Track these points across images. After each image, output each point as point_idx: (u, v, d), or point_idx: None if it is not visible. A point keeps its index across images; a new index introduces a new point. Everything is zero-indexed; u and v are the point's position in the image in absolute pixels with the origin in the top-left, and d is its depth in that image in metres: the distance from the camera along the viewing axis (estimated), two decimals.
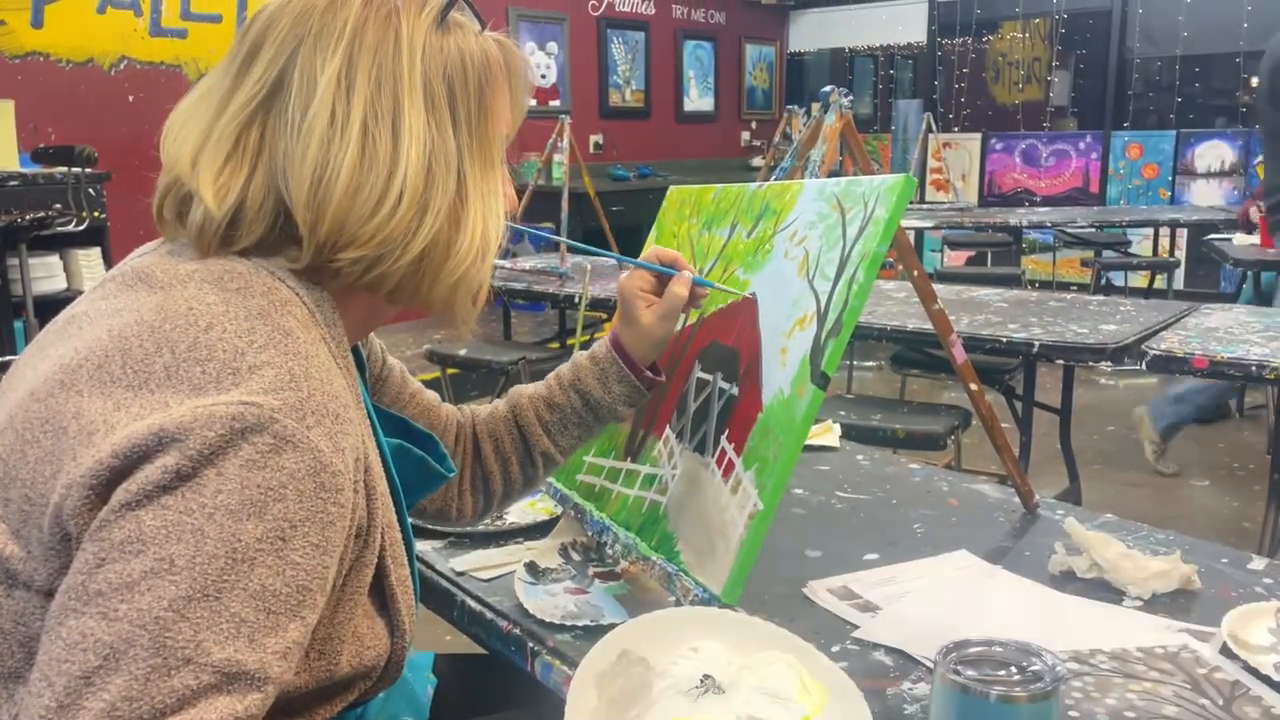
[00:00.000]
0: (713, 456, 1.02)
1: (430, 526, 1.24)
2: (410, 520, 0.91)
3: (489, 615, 1.08)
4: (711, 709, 0.79)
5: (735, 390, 1.03)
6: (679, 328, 1.17)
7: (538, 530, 1.28)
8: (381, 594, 0.81)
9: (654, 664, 0.82)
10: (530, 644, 1.02)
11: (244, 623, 0.64)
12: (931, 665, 0.73)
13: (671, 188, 1.36)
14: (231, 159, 0.76)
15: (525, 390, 1.10)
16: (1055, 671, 0.70)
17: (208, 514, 0.64)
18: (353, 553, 0.75)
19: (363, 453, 0.74)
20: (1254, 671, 0.92)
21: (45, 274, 3.93)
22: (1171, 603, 1.08)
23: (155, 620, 0.62)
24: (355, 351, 0.96)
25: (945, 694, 0.70)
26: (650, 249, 1.07)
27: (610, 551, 1.13)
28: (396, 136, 0.76)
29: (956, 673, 0.70)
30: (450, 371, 4.00)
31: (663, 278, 1.05)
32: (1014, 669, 0.71)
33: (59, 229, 3.77)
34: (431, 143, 0.78)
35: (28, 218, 3.62)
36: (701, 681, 0.81)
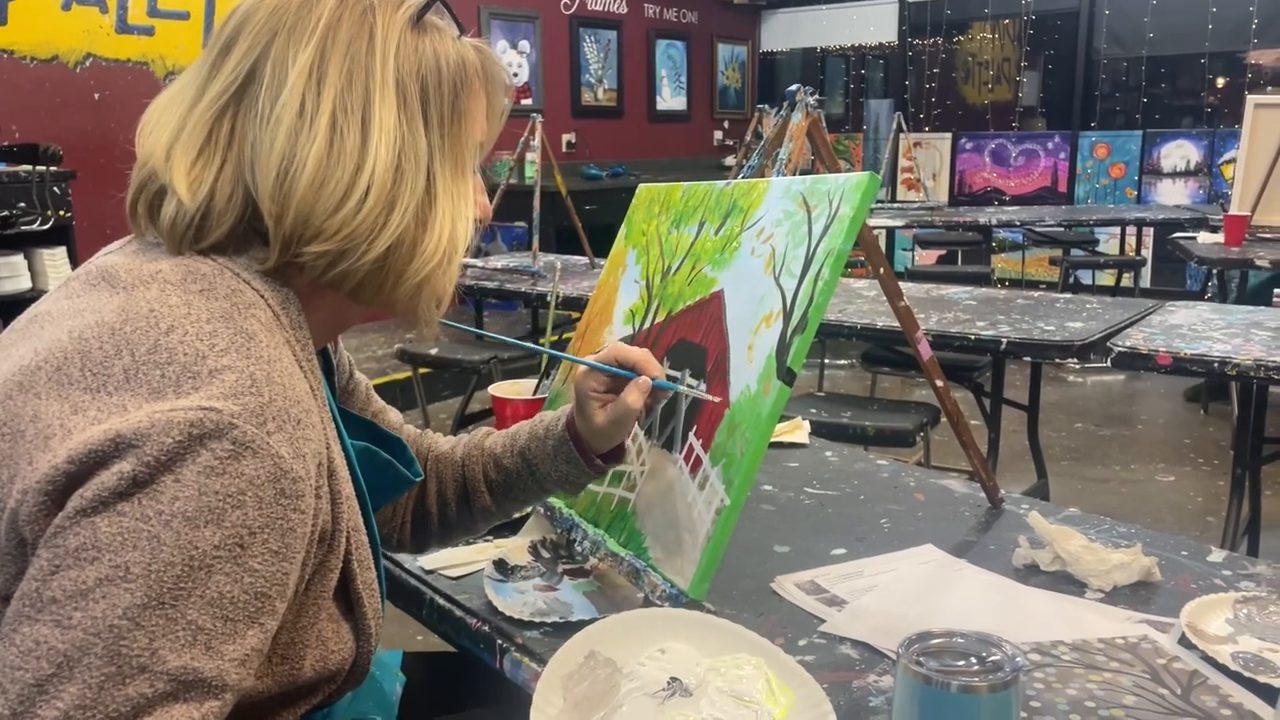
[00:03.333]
0: (680, 453, 1.03)
1: None
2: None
3: (458, 613, 1.08)
4: (678, 711, 0.80)
5: (703, 387, 1.04)
6: (646, 324, 1.18)
7: (507, 528, 1.28)
8: (347, 597, 0.81)
9: (621, 665, 0.82)
10: (499, 641, 1.02)
11: (201, 630, 0.64)
12: (895, 658, 0.74)
13: (641, 186, 1.36)
14: (204, 151, 0.76)
15: (483, 441, 1.08)
16: (1015, 662, 0.71)
17: (164, 521, 0.63)
18: (316, 558, 0.74)
19: (326, 457, 0.74)
20: (1211, 661, 0.94)
21: (9, 273, 3.88)
22: (1132, 594, 1.09)
23: (110, 628, 0.61)
24: (324, 354, 0.95)
25: (907, 685, 0.71)
26: (612, 346, 1.00)
27: (579, 548, 1.14)
28: (365, 131, 0.76)
29: (918, 664, 0.71)
30: (422, 371, 3.99)
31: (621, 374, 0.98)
32: (975, 660, 0.71)
33: (23, 228, 3.73)
34: (401, 140, 0.77)
35: None
36: (669, 684, 0.81)
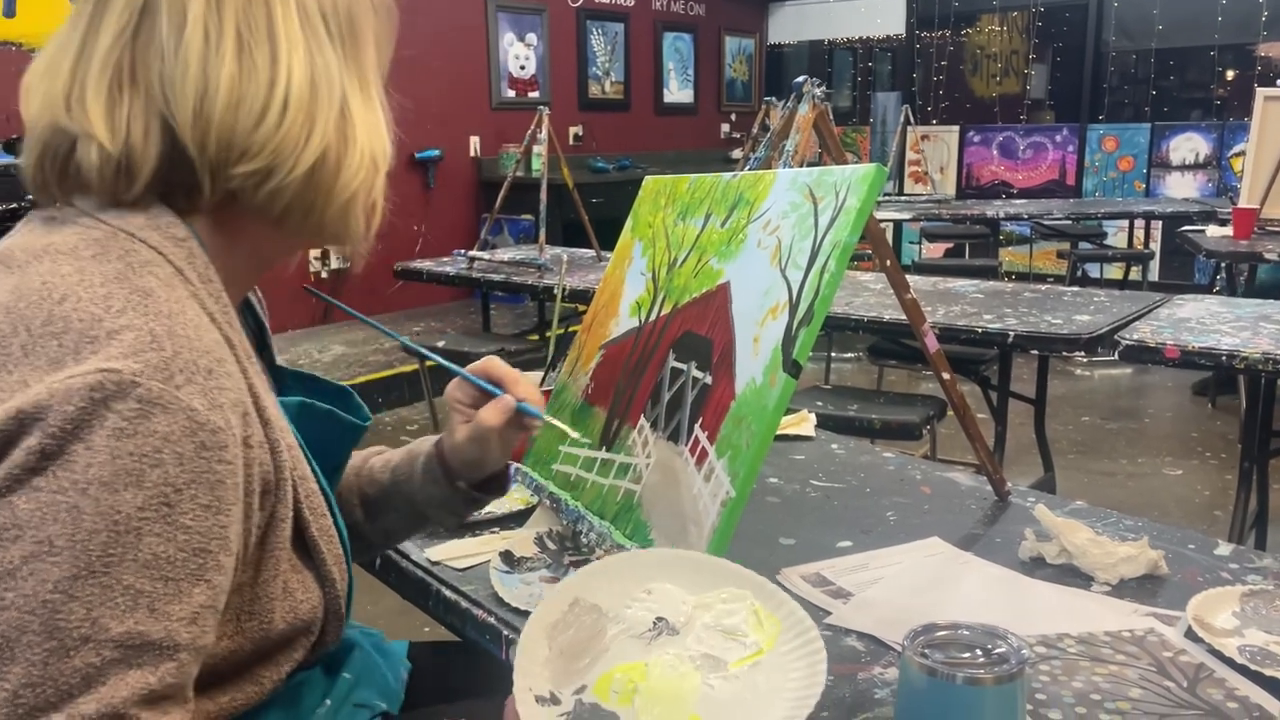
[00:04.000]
0: (686, 445, 1.03)
1: None
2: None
3: (464, 604, 1.09)
4: (665, 650, 0.79)
5: (709, 379, 1.04)
6: (652, 316, 1.17)
7: (513, 519, 1.29)
8: (306, 547, 0.80)
9: (607, 610, 0.82)
10: (505, 632, 1.02)
11: (140, 594, 0.64)
12: (900, 650, 0.74)
13: (647, 178, 1.36)
14: (111, 93, 0.75)
15: (371, 456, 1.07)
16: (1020, 654, 0.71)
17: (81, 490, 0.63)
18: (266, 509, 0.74)
19: (251, 405, 0.73)
20: (1218, 654, 0.93)
21: None
22: (1139, 587, 1.09)
23: (43, 604, 0.61)
24: (255, 313, 0.94)
25: (913, 677, 0.71)
26: (486, 359, 1.00)
27: (585, 540, 1.14)
28: (274, 47, 0.76)
29: (924, 656, 0.71)
30: (429, 364, 3.99)
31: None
32: (980, 652, 0.71)
33: None
34: (311, 56, 0.78)
35: (0, 208, 3.58)
36: (655, 624, 0.81)
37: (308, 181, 0.77)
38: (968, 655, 0.71)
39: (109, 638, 0.63)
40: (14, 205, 3.65)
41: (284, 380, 0.93)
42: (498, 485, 1.04)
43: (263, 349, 0.93)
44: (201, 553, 0.67)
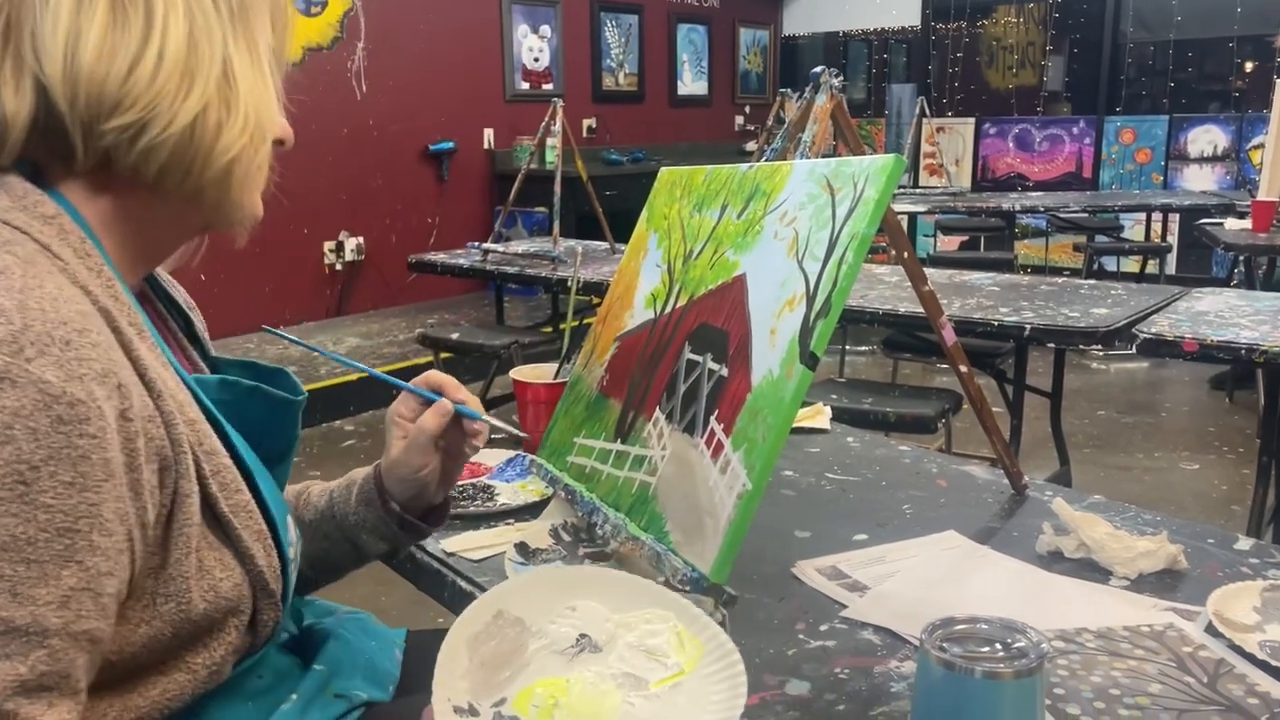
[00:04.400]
0: (702, 437, 1.02)
1: None
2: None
3: (479, 595, 1.09)
4: (586, 667, 0.79)
5: (725, 371, 1.03)
6: (668, 309, 1.17)
7: (528, 511, 1.29)
8: (221, 523, 0.78)
9: (530, 624, 0.81)
10: None
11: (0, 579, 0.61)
12: (918, 643, 0.73)
13: (663, 169, 1.36)
14: None
15: (312, 485, 1.06)
16: (1039, 648, 0.70)
17: None
18: (168, 486, 0.72)
19: (136, 379, 0.71)
20: (1238, 649, 0.93)
21: None
22: (1158, 582, 1.09)
23: None
24: (172, 301, 0.93)
25: (930, 671, 0.71)
26: (424, 374, 0.99)
27: (600, 532, 1.14)
28: (149, 4, 0.74)
29: (942, 649, 0.70)
30: (444, 355, 4.00)
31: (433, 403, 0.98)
32: (999, 646, 0.71)
33: None
34: (191, 15, 0.76)
35: None
36: (578, 640, 0.81)
37: (184, 140, 0.75)
38: (986, 649, 0.70)
39: None
40: None
41: (221, 368, 0.92)
42: (437, 518, 1.03)
43: (193, 340, 0.92)
44: (68, 533, 0.64)
